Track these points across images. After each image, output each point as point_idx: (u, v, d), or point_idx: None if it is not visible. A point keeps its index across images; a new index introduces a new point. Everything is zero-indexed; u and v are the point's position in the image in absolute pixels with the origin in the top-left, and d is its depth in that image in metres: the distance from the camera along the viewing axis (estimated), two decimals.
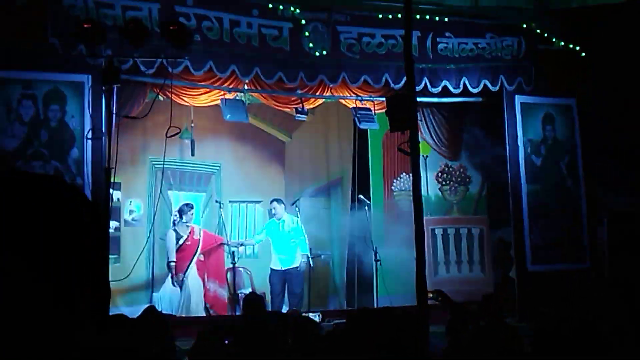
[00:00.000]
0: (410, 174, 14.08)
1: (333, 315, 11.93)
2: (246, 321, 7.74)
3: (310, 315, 10.59)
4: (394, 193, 14.37)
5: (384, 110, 13.00)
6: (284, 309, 12.07)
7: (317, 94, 12.89)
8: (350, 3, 12.44)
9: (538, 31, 13.30)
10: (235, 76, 11.88)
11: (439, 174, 14.22)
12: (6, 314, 1.17)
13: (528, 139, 13.33)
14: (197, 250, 12.63)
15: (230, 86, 12.18)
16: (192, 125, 13.14)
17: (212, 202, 13.83)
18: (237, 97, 12.40)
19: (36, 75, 10.63)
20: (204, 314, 12.43)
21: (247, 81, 12.15)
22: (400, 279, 12.76)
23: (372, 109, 12.89)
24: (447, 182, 14.24)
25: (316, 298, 13.45)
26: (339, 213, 14.56)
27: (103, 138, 10.44)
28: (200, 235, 12.77)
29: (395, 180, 14.38)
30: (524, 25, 13.17)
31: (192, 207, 12.75)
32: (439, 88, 12.78)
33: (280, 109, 13.30)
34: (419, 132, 11.16)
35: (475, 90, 12.97)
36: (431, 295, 8.22)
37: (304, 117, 13.01)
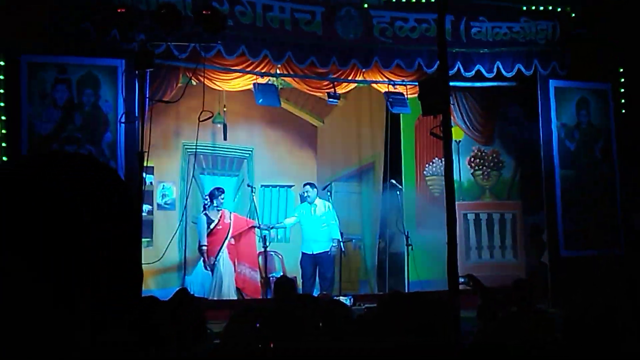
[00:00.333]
0: (443, 159, 14.12)
1: (364, 300, 11.94)
2: (277, 304, 7.77)
3: (342, 299, 10.59)
4: (426, 178, 14.31)
5: (416, 95, 13.00)
6: (315, 293, 12.09)
7: (350, 78, 12.86)
8: None
9: (573, 15, 13.14)
10: (268, 60, 11.88)
11: (472, 159, 14.14)
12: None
13: (562, 123, 13.21)
14: (228, 234, 12.66)
15: (263, 70, 12.19)
16: (225, 109, 13.18)
17: (244, 186, 13.88)
18: (269, 82, 12.42)
19: (70, 60, 10.71)
20: (235, 297, 12.48)
21: (279, 66, 12.15)
22: (432, 264, 12.75)
23: (405, 93, 12.84)
24: (480, 167, 14.16)
25: (347, 282, 13.46)
26: (370, 198, 14.56)
27: (136, 122, 10.50)
28: (231, 219, 12.80)
29: (427, 165, 14.32)
30: (559, 9, 13.03)
31: (222, 192, 12.78)
32: (472, 72, 12.70)
33: (312, 93, 13.29)
34: (452, 117, 11.10)
35: (509, 75, 12.87)
36: (462, 280, 8.21)
37: (336, 102, 12.98)
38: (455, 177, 12.46)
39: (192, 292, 9.42)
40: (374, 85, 13.25)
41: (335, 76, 12.71)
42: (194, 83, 11.75)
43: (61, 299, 1.17)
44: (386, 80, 12.91)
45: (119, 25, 9.77)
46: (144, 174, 10.34)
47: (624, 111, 13.47)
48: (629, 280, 11.24)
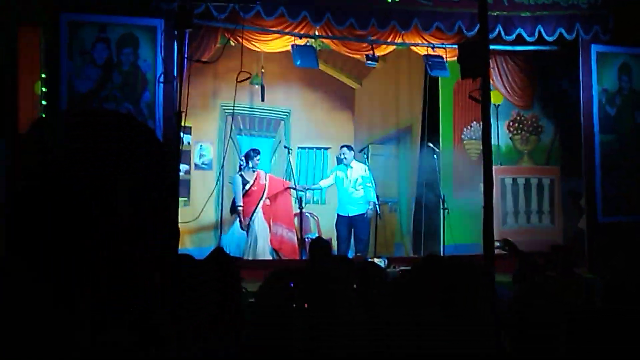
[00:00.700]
0: (481, 123, 14.01)
1: (399, 262, 11.95)
2: (312, 265, 7.81)
3: (376, 260, 10.60)
4: (464, 142, 14.23)
5: (455, 58, 12.88)
6: (350, 255, 12.12)
7: (388, 40, 12.77)
8: None
9: None
10: (307, 22, 11.83)
11: (511, 123, 14.02)
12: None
13: (603, 89, 13.03)
14: (263, 195, 12.71)
15: (301, 32, 12.15)
16: (262, 71, 13.14)
17: (281, 148, 13.91)
18: (308, 43, 12.39)
19: (110, 19, 10.75)
20: (270, 258, 12.56)
21: (318, 27, 12.09)
22: (468, 228, 12.72)
23: (444, 56, 12.73)
24: (519, 131, 14.05)
25: (382, 245, 13.49)
26: (407, 161, 14.51)
27: (174, 82, 10.54)
28: (266, 180, 12.84)
29: (465, 129, 14.22)
30: None
31: (258, 152, 12.81)
32: (513, 36, 12.55)
33: (351, 55, 13.22)
34: (491, 81, 11.01)
35: (550, 39, 12.69)
36: (498, 245, 8.17)
37: (374, 64, 12.89)
38: (494, 141, 12.30)
39: (227, 252, 9.52)
40: (413, 48, 13.15)
41: (374, 38, 12.62)
42: (232, 44, 11.75)
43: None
44: (425, 43, 12.81)
45: None
46: (182, 134, 10.38)
47: None
48: None
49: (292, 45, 12.15)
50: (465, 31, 12.22)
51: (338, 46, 12.88)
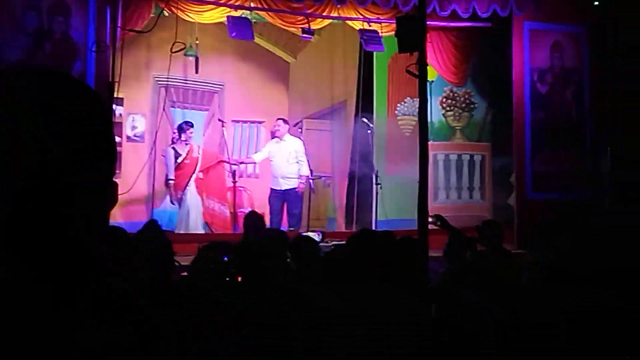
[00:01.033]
0: (415, 99, 14.08)
1: (332, 237, 11.98)
2: (246, 239, 7.78)
3: (311, 234, 10.60)
4: (397, 117, 14.27)
5: (390, 33, 12.90)
6: (282, 229, 12.11)
7: (324, 14, 12.72)
8: None
9: None
10: None
11: (444, 100, 14.11)
12: None
13: (535, 66, 13.20)
14: (196, 169, 12.58)
15: (237, 3, 12.04)
16: (197, 42, 12.98)
17: (214, 121, 13.79)
18: (243, 15, 12.27)
19: None
20: (203, 232, 12.48)
21: None
22: (400, 203, 12.82)
23: (379, 31, 12.75)
24: (452, 107, 14.14)
25: (315, 220, 13.50)
26: (341, 136, 14.50)
27: (107, 52, 10.35)
28: (199, 154, 12.71)
29: (399, 105, 14.25)
30: None
31: (191, 125, 12.67)
32: (448, 12, 12.60)
33: (286, 28, 13.14)
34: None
35: (484, 16, 12.78)
36: (430, 219, 8.25)
37: (310, 37, 12.85)
38: (428, 117, 12.43)
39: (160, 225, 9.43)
40: (348, 22, 13.13)
41: (310, 11, 12.56)
42: (166, 14, 11.58)
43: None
44: (361, 17, 12.80)
45: None
46: (114, 105, 10.22)
47: (597, 55, 13.47)
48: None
49: (228, 17, 12.02)
50: (400, 6, 12.23)
51: (274, 19, 12.80)
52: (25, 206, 1.13)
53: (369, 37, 12.68)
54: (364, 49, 13.23)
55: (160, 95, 13.15)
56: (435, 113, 13.97)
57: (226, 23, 12.06)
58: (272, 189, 12.86)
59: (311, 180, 12.83)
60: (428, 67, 11.98)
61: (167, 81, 12.35)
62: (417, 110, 13.80)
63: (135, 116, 13.48)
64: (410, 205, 12.85)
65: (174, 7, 11.21)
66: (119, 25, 10.33)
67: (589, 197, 13.00)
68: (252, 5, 12.22)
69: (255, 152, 13.77)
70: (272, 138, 13.21)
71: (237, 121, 14.29)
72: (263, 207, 12.81)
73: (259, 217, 8.85)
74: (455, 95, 14.15)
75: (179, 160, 12.41)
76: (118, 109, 12.38)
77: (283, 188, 12.72)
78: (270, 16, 12.77)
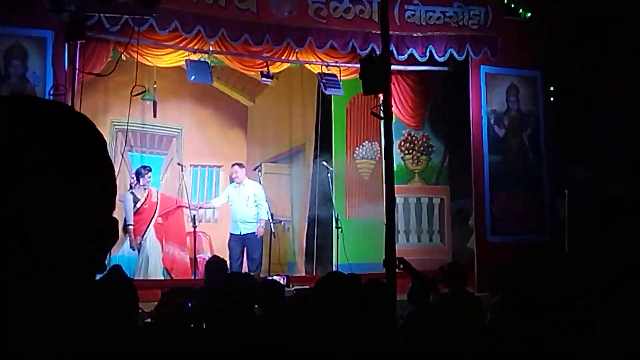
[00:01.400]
0: (373, 142, 14.13)
1: (296, 281, 11.89)
2: (210, 284, 7.66)
3: (276, 278, 10.49)
4: (356, 161, 14.28)
5: (349, 77, 12.98)
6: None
7: (283, 58, 12.74)
8: None
9: (505, 1, 13.27)
10: (201, 37, 11.68)
11: (402, 143, 14.14)
12: None
13: (492, 109, 13.33)
14: (155, 213, 12.44)
15: (195, 47, 12.00)
16: (155, 86, 12.91)
17: (173, 165, 13.71)
18: (202, 59, 12.24)
19: None
20: (163, 278, 12.30)
21: (212, 42, 11.96)
22: (361, 247, 12.80)
23: (338, 75, 12.80)
24: (410, 151, 14.18)
25: (276, 264, 13.39)
26: (300, 179, 14.48)
27: (65, 95, 10.22)
28: (158, 198, 12.58)
29: (357, 148, 14.27)
30: None
31: (149, 170, 12.55)
32: (405, 56, 12.69)
33: (245, 72, 13.14)
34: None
35: (441, 59, 12.90)
36: None
37: (269, 81, 12.82)
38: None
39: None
40: (306, 66, 13.15)
41: (268, 55, 12.57)
42: (124, 58, 11.51)
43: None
44: (320, 61, 12.84)
45: None
46: None
47: (552, 99, 13.67)
48: (552, 265, 11.37)
49: (187, 60, 11.98)
50: (358, 50, 12.30)
51: (232, 62, 12.78)
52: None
53: (328, 81, 12.72)
54: (322, 93, 13.26)
55: (118, 139, 13.03)
56: (394, 156, 13.97)
57: (185, 67, 12.02)
58: (231, 234, 12.75)
59: (272, 224, 12.74)
60: None
61: (125, 126, 12.22)
62: (375, 153, 13.96)
63: None
64: (371, 248, 12.90)
65: (133, 50, 11.13)
66: (77, 68, 10.20)
67: (548, 239, 13.09)
68: (211, 49, 12.19)
69: (214, 197, 13.67)
70: (231, 182, 13.12)
71: (196, 165, 14.21)
72: (222, 252, 12.66)
73: (222, 262, 8.76)
74: (414, 138, 14.20)
75: (137, 205, 12.26)
76: None
77: (242, 232, 12.62)
78: (229, 60, 12.75)
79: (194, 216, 12.54)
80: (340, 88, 12.80)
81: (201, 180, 14.30)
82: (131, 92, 10.80)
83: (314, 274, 13.18)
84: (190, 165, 14.01)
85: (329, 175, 13.42)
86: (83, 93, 10.28)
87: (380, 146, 13.83)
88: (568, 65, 13.28)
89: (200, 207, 13.38)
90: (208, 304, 6.21)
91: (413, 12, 12.66)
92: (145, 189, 12.41)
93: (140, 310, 6.40)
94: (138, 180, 12.39)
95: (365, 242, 13.09)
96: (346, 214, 13.59)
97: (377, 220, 13.25)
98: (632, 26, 12.72)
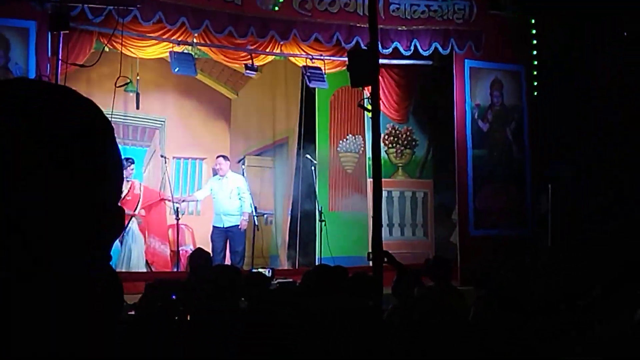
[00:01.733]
0: (356, 135, 14.13)
1: (282, 274, 11.86)
2: (194, 277, 7.62)
3: (262, 271, 10.45)
4: (340, 154, 14.27)
5: (333, 70, 12.96)
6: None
7: (267, 50, 12.70)
8: None
9: None
10: (185, 29, 11.63)
11: (386, 137, 14.11)
12: None
13: (476, 104, 13.35)
14: (137, 206, 12.37)
15: (179, 39, 11.94)
16: (138, 78, 12.82)
17: (156, 157, 13.62)
18: (186, 51, 12.17)
19: None
20: (145, 270, 12.24)
21: (196, 34, 11.91)
22: (344, 240, 12.80)
23: (322, 68, 12.76)
24: (394, 144, 14.17)
25: (259, 257, 13.35)
26: (284, 173, 14.44)
27: None
28: (140, 191, 12.50)
29: (341, 142, 14.26)
30: None
31: (132, 162, 12.46)
32: (390, 49, 12.69)
33: (229, 64, 13.10)
34: (367, 93, 11.07)
35: (425, 53, 12.92)
36: None
37: (253, 74, 12.77)
38: (369, 154, 12.46)
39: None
40: (290, 59, 13.12)
41: (253, 47, 12.52)
42: (107, 49, 11.44)
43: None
44: (304, 54, 12.80)
45: None
46: None
47: (536, 93, 13.70)
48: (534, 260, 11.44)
49: (170, 52, 11.91)
50: (343, 43, 12.30)
51: (216, 54, 12.72)
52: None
53: (312, 74, 12.69)
54: (306, 86, 13.22)
55: None
56: None
57: (169, 59, 11.95)
58: (214, 227, 12.67)
59: (255, 217, 12.69)
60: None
61: (111, 117, 12.15)
62: (359, 147, 13.96)
63: None
64: (354, 242, 12.92)
65: (116, 42, 11.06)
66: (61, 59, 10.12)
67: (530, 234, 13.14)
68: (195, 41, 12.13)
69: (197, 190, 13.61)
70: (214, 175, 13.06)
71: (179, 158, 14.13)
72: (205, 245, 12.62)
73: (206, 254, 8.73)
74: (398, 132, 14.20)
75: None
76: None
77: (225, 225, 12.55)
78: (213, 52, 12.69)
79: (177, 209, 12.47)
80: (324, 81, 12.77)
81: (184, 173, 14.23)
82: (115, 84, 10.73)
83: (297, 267, 13.17)
84: (173, 157, 13.93)
85: (313, 168, 13.40)
86: (66, 84, 10.17)
87: (364, 139, 13.82)
88: (551, 59, 13.32)
89: (183, 200, 13.29)
90: (193, 296, 6.18)
91: (398, 6, 12.66)
92: (127, 181, 12.32)
93: (124, 303, 6.38)
94: None
95: (348, 236, 13.10)
96: (329, 207, 13.58)
97: (360, 213, 13.29)
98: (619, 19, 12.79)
